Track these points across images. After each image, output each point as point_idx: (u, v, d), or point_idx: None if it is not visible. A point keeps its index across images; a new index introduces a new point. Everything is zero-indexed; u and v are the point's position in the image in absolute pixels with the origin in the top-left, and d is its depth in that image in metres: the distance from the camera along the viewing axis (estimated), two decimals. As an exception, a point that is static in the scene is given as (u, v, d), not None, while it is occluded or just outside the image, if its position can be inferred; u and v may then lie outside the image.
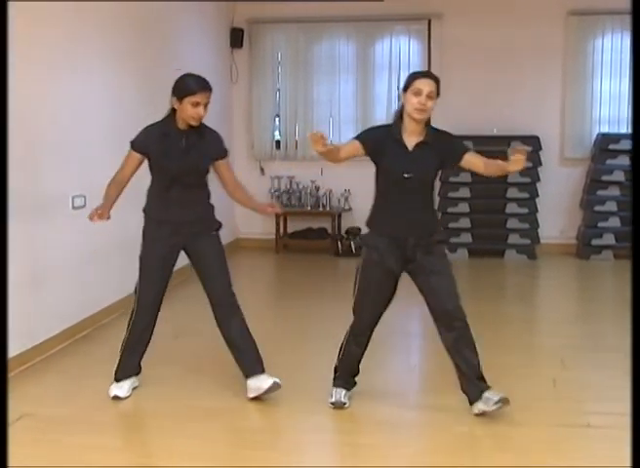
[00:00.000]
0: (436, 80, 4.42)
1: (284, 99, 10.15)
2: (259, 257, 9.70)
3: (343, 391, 4.62)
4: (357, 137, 4.49)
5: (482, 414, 4.37)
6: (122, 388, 4.75)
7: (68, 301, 5.85)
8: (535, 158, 9.27)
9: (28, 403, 4.59)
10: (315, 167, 9.92)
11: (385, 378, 5.11)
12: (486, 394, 4.36)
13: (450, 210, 9.39)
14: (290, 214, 10.01)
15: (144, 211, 4.72)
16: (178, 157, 4.54)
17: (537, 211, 9.43)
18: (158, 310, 4.76)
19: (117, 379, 4.77)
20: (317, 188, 9.89)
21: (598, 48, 9.51)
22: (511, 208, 9.44)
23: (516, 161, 4.15)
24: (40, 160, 5.47)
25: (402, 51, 9.84)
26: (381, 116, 9.89)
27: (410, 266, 4.38)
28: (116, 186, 4.66)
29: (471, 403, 4.42)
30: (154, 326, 4.78)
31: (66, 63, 5.86)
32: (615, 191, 9.24)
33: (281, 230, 10.06)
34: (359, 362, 4.65)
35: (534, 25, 9.48)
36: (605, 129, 9.48)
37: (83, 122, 6.03)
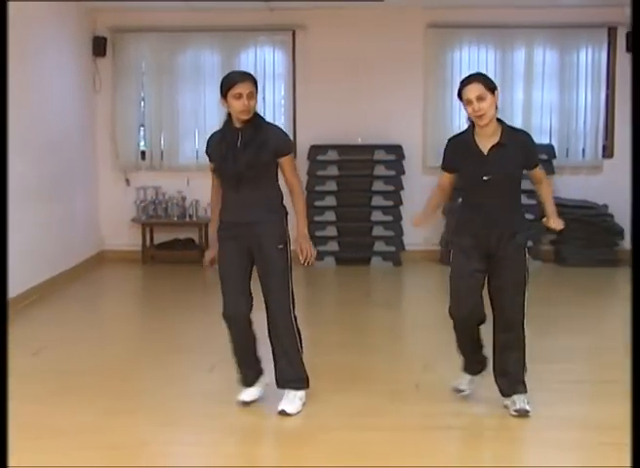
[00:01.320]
0: (480, 79, 4.44)
1: (149, 109, 10.03)
2: (125, 269, 9.54)
3: (468, 377, 4.84)
4: (443, 168, 4.69)
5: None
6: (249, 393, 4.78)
7: None
8: (398, 166, 9.47)
9: None
10: (181, 177, 9.86)
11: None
12: (514, 397, 4.61)
13: (316, 218, 9.47)
14: (156, 224, 9.90)
15: (220, 217, 4.68)
16: (233, 156, 4.48)
17: (401, 218, 9.61)
18: (248, 312, 4.65)
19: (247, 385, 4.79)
20: (184, 198, 9.81)
21: (456, 60, 9.80)
22: (376, 215, 9.59)
23: (555, 223, 4.64)
24: None
25: (267, 61, 9.88)
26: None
27: (491, 263, 4.52)
28: (212, 203, 4.77)
29: (504, 395, 4.68)
30: (251, 328, 4.68)
31: None
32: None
33: (147, 241, 9.94)
34: (478, 351, 4.80)
35: (395, 37, 9.69)
36: (465, 138, 9.75)
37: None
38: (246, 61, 9.87)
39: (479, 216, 4.47)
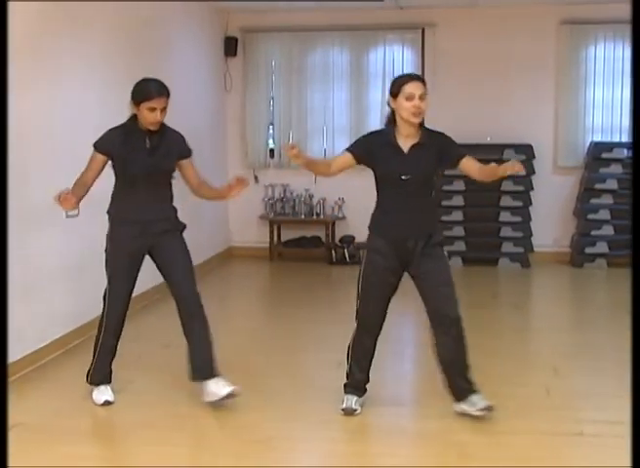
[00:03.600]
0: (423, 81, 4.46)
1: (278, 108, 10.16)
2: (252, 266, 9.69)
3: (355, 397, 4.63)
4: (347, 149, 4.55)
5: (463, 415, 4.46)
6: (106, 393, 4.78)
7: (62, 309, 5.84)
8: (528, 166, 9.29)
9: (21, 412, 4.57)
10: (309, 175, 9.86)
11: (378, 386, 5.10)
12: (473, 397, 4.46)
13: (444, 218, 9.39)
14: (284, 222, 10.02)
15: (109, 212, 4.74)
16: (142, 158, 4.57)
17: (530, 219, 9.44)
18: (126, 312, 4.78)
19: (95, 383, 4.81)
20: (311, 196, 9.89)
21: (590, 57, 9.54)
22: (505, 216, 9.44)
23: (507, 166, 4.23)
24: (31, 169, 5.46)
25: (396, 59, 9.85)
26: (375, 124, 9.87)
27: (410, 268, 4.44)
28: (80, 188, 4.59)
29: (456, 400, 4.51)
30: (122, 329, 4.80)
31: (58, 73, 5.85)
32: (608, 199, 9.26)
33: (275, 238, 10.06)
34: (368, 367, 4.66)
35: (527, 35, 9.52)
36: (598, 137, 9.50)
37: (75, 131, 6.01)
38: (375, 60, 9.88)
39: (395, 217, 4.39)
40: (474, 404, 4.45)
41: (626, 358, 4.77)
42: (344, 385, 4.68)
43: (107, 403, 4.73)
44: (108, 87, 6.62)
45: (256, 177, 10.18)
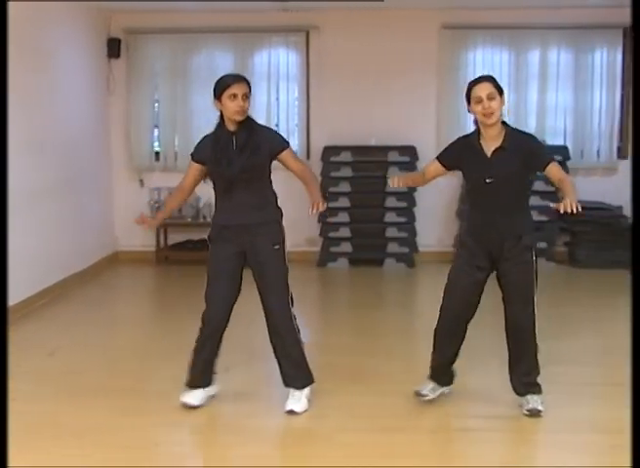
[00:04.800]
0: (491, 79, 4.49)
1: (163, 110, 10.06)
2: (139, 270, 9.56)
3: (431, 384, 4.83)
4: (437, 157, 4.72)
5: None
6: (195, 396, 4.73)
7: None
8: (412, 168, 9.45)
9: None
10: (195, 178, 9.85)
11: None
12: (528, 397, 4.66)
13: (330, 219, 9.48)
14: (170, 225, 9.93)
15: (212, 220, 4.74)
16: (229, 159, 4.51)
17: (415, 219, 9.61)
18: (226, 321, 4.69)
19: (190, 386, 4.77)
20: (198, 199, 9.83)
21: (470, 60, 9.78)
22: (390, 217, 9.58)
23: (568, 201, 4.12)
24: None
25: (281, 62, 9.89)
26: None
27: (497, 268, 4.55)
28: (177, 195, 4.83)
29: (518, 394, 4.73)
30: (222, 336, 4.72)
31: None
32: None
33: (161, 242, 9.96)
34: (451, 362, 4.84)
35: (409, 38, 9.69)
36: (478, 139, 9.73)
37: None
38: (260, 63, 9.88)
39: (482, 219, 4.53)
40: (527, 402, 4.65)
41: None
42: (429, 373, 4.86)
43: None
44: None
45: (141, 181, 10.06)
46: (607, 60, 9.72)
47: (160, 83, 10.07)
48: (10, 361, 4.82)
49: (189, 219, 9.86)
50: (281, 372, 4.75)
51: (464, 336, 4.74)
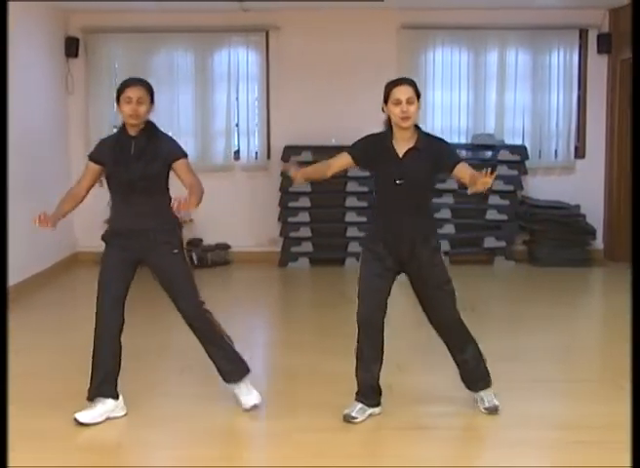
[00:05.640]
0: (411, 83, 4.52)
1: (122, 110, 9.98)
2: (96, 272, 9.46)
3: (359, 405, 4.58)
4: (347, 149, 4.63)
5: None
6: (92, 411, 4.54)
7: None
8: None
9: None
10: (155, 178, 9.80)
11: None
12: (481, 393, 4.66)
13: (290, 219, 9.48)
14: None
15: (107, 223, 4.68)
16: (126, 164, 4.47)
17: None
18: (120, 324, 4.64)
19: (89, 399, 4.58)
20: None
21: (430, 60, 9.85)
22: (351, 216, 9.60)
23: (483, 182, 4.16)
24: None
25: (240, 62, 9.88)
26: (221, 127, 9.91)
27: (406, 271, 4.51)
28: (71, 199, 4.66)
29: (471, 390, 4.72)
30: (119, 342, 4.64)
31: None
32: (448, 199, 9.54)
33: (121, 243, 9.88)
34: (376, 375, 4.65)
35: (369, 38, 9.72)
36: (439, 139, 9.79)
37: None
38: (219, 62, 9.87)
39: (391, 221, 4.47)
40: (483, 400, 4.65)
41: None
42: (355, 392, 4.64)
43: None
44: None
45: (100, 181, 9.94)
46: (564, 61, 9.83)
47: (119, 82, 9.96)
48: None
49: (149, 220, 9.78)
50: (219, 371, 4.73)
51: (383, 347, 4.68)
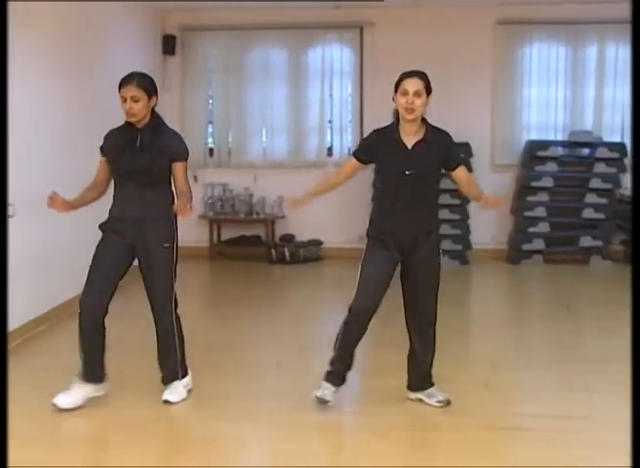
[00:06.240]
0: (423, 77, 4.52)
1: (217, 107, 10.13)
2: (193, 265, 9.60)
3: (333, 388, 4.61)
4: (353, 154, 4.69)
5: (419, 401, 4.63)
6: (71, 396, 4.63)
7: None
8: (466, 165, 9.37)
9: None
10: (249, 174, 9.91)
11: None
12: (431, 389, 4.67)
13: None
14: (224, 221, 9.99)
15: (109, 212, 4.71)
16: (130, 155, 4.54)
17: (468, 217, 9.54)
18: (105, 309, 4.63)
19: (83, 380, 4.67)
20: (251, 195, 9.87)
21: (526, 56, 9.69)
22: (443, 214, 9.50)
23: (494, 203, 4.51)
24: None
25: (334, 58, 9.90)
26: (314, 123, 9.94)
27: (404, 262, 4.52)
28: (92, 189, 4.70)
29: (412, 390, 4.70)
30: (103, 325, 4.66)
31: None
32: (544, 197, 9.40)
33: (215, 238, 10.02)
34: (353, 355, 4.63)
35: (464, 34, 9.61)
36: (534, 136, 9.64)
37: (14, 134, 5.91)
38: (313, 59, 9.90)
39: (397, 212, 4.46)
40: (432, 395, 4.66)
41: (563, 354, 4.87)
42: (326, 372, 4.64)
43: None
44: (48, 89, 6.55)
45: (195, 177, 10.12)
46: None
47: (214, 79, 10.14)
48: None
49: (242, 215, 9.90)
50: (160, 367, 4.81)
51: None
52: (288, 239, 9.73)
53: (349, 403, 4.90)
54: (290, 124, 9.97)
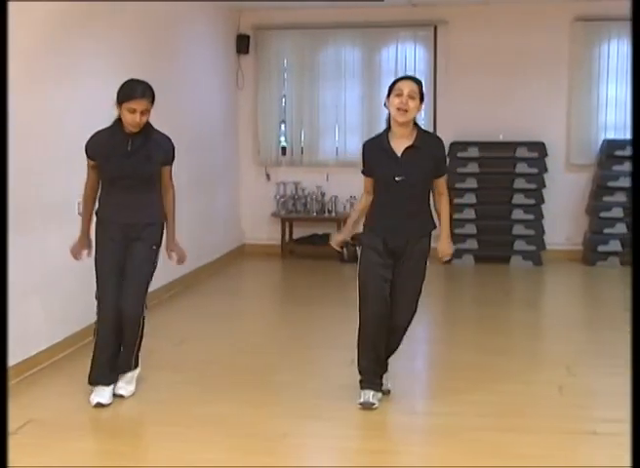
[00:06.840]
0: (418, 82, 4.52)
1: (290, 105, 10.16)
2: (264, 263, 9.70)
3: (371, 392, 4.65)
4: (362, 172, 4.71)
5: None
6: (103, 395, 4.69)
7: (73, 308, 5.81)
8: (541, 164, 9.27)
9: (34, 409, 4.60)
10: (321, 172, 9.93)
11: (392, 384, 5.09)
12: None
13: (456, 216, 9.37)
14: (295, 219, 10.02)
15: (96, 213, 4.75)
16: (120, 160, 4.55)
17: (542, 217, 9.41)
18: (121, 312, 4.68)
19: (92, 383, 4.73)
20: (323, 194, 9.89)
21: (604, 54, 9.50)
22: (517, 214, 9.41)
23: (441, 249, 4.68)
24: (45, 168, 5.47)
25: (408, 57, 9.83)
26: (387, 122, 9.90)
27: (395, 263, 4.59)
28: (93, 198, 4.73)
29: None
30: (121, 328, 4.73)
31: (73, 72, 5.86)
32: (621, 197, 9.21)
33: (286, 236, 10.07)
34: (378, 359, 4.69)
35: (540, 31, 9.47)
36: (611, 135, 9.46)
37: (88, 131, 6.01)
38: (387, 58, 9.86)
39: (390, 217, 4.51)
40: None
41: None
42: (359, 381, 4.69)
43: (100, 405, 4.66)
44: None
45: (267, 175, 10.19)
46: None
47: (287, 78, 10.17)
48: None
49: (314, 214, 9.92)
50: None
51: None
52: (359, 238, 9.71)
53: (420, 403, 4.89)
54: (363, 123, 9.94)
